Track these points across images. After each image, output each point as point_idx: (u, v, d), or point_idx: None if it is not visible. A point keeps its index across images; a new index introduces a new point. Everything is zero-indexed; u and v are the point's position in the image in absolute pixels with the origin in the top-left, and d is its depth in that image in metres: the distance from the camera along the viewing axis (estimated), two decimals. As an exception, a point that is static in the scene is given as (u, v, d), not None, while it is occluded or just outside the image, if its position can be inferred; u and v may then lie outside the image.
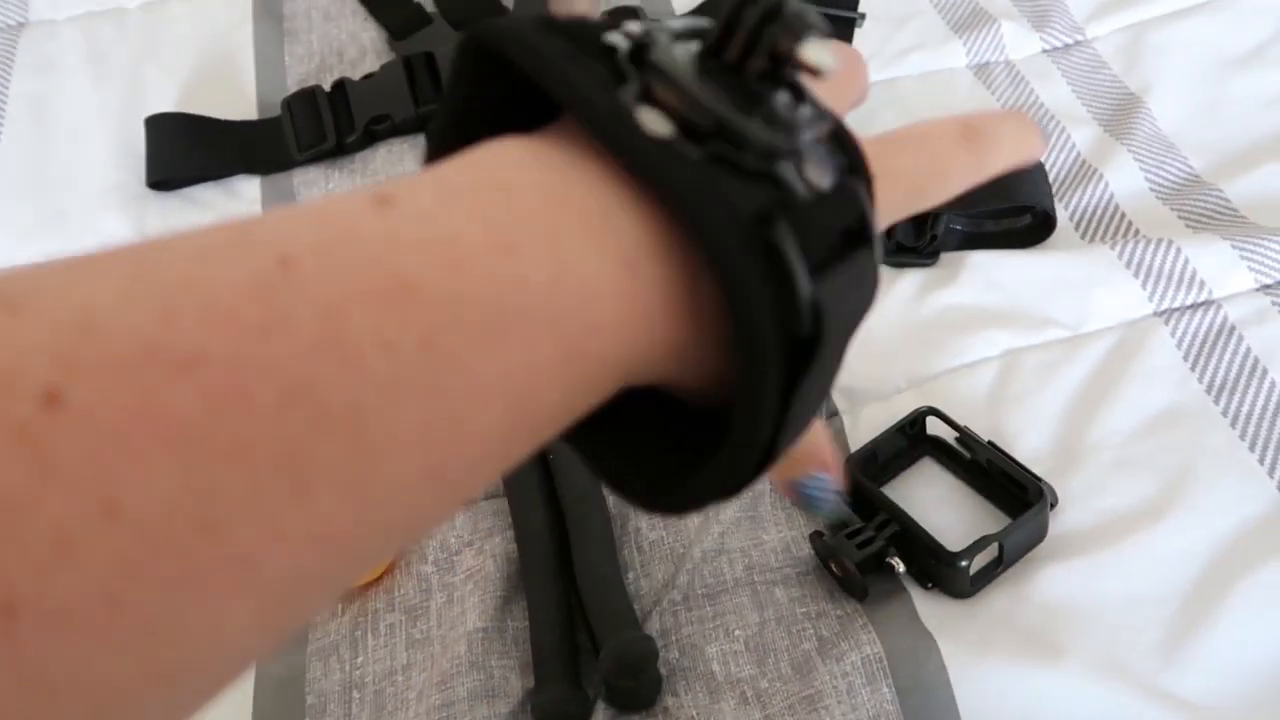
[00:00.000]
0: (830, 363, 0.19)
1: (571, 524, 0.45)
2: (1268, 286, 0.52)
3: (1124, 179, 0.58)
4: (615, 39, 0.18)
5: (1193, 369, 0.49)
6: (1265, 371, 0.48)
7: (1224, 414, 0.48)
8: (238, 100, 0.67)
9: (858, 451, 0.46)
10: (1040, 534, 0.44)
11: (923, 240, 0.56)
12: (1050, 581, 0.43)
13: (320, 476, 0.14)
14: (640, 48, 0.18)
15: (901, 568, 0.43)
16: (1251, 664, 0.40)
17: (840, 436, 0.49)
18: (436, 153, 0.20)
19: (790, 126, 0.18)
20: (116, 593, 0.12)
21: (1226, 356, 0.49)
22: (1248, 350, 0.49)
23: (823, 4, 0.62)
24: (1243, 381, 0.48)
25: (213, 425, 0.13)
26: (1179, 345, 0.50)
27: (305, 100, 0.64)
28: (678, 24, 0.19)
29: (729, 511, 0.46)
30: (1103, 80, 0.64)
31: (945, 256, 0.56)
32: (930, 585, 0.43)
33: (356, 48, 0.69)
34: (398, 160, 0.64)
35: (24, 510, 0.12)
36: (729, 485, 0.19)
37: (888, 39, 0.67)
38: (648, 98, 0.17)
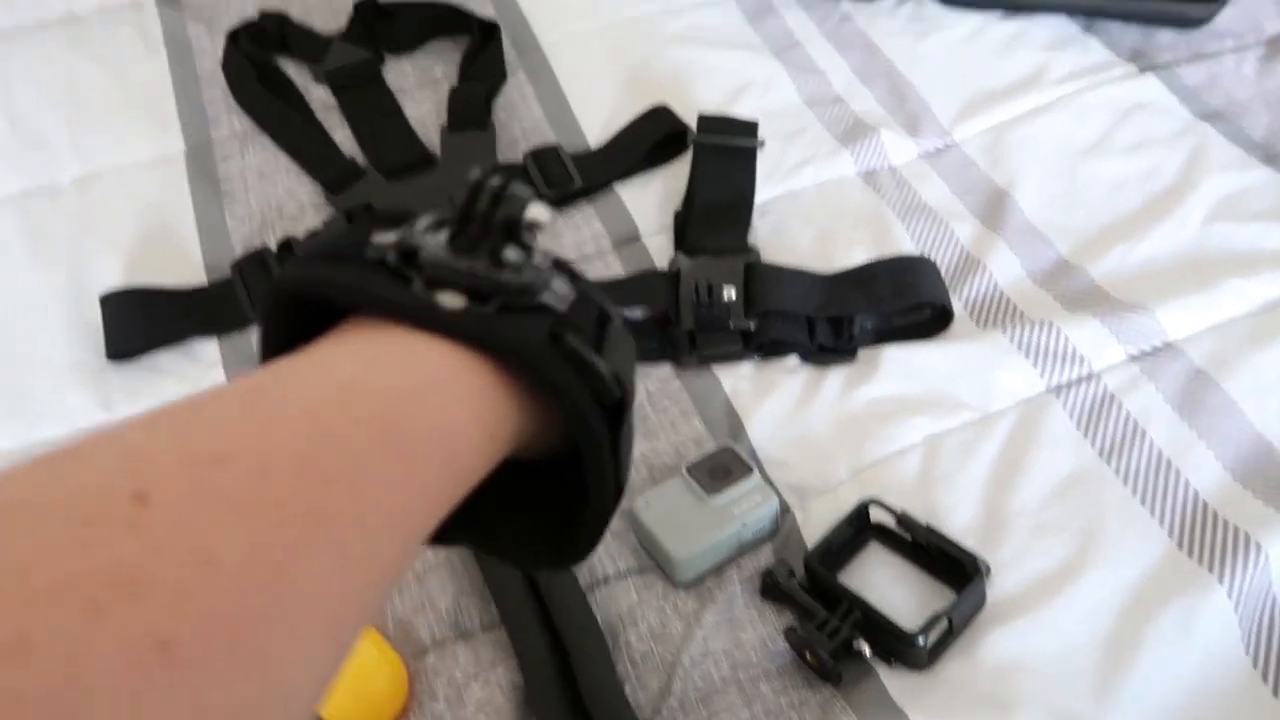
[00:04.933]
0: (631, 406, 0.28)
1: (570, 647, 0.49)
2: (1134, 357, 0.60)
3: (1003, 268, 0.67)
4: (382, 251, 0.26)
5: (1085, 436, 0.57)
6: (1144, 433, 0.56)
7: (1116, 474, 0.55)
8: (183, 266, 0.70)
9: (816, 547, 0.52)
10: (981, 603, 0.50)
11: (842, 340, 0.63)
12: (995, 645, 0.49)
13: (342, 520, 0.20)
14: (408, 251, 0.26)
15: (868, 650, 0.48)
16: (1171, 691, 0.47)
17: (795, 532, 0.55)
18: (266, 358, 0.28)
19: (535, 268, 0.26)
20: (234, 626, 0.17)
21: (1111, 422, 0.57)
22: (1128, 415, 0.57)
23: (728, 135, 0.70)
24: (1128, 443, 0.56)
25: (252, 493, 0.19)
26: (1071, 416, 0.58)
27: (255, 263, 0.68)
28: (423, 223, 0.27)
29: (709, 616, 0.51)
30: (973, 178, 0.73)
31: (862, 352, 0.63)
32: (893, 661, 0.49)
33: (295, 204, 0.73)
34: (349, 310, 0.67)
35: (150, 571, 0.17)
36: (600, 524, 0.28)
37: (782, 154, 0.75)
38: (434, 284, 0.25)
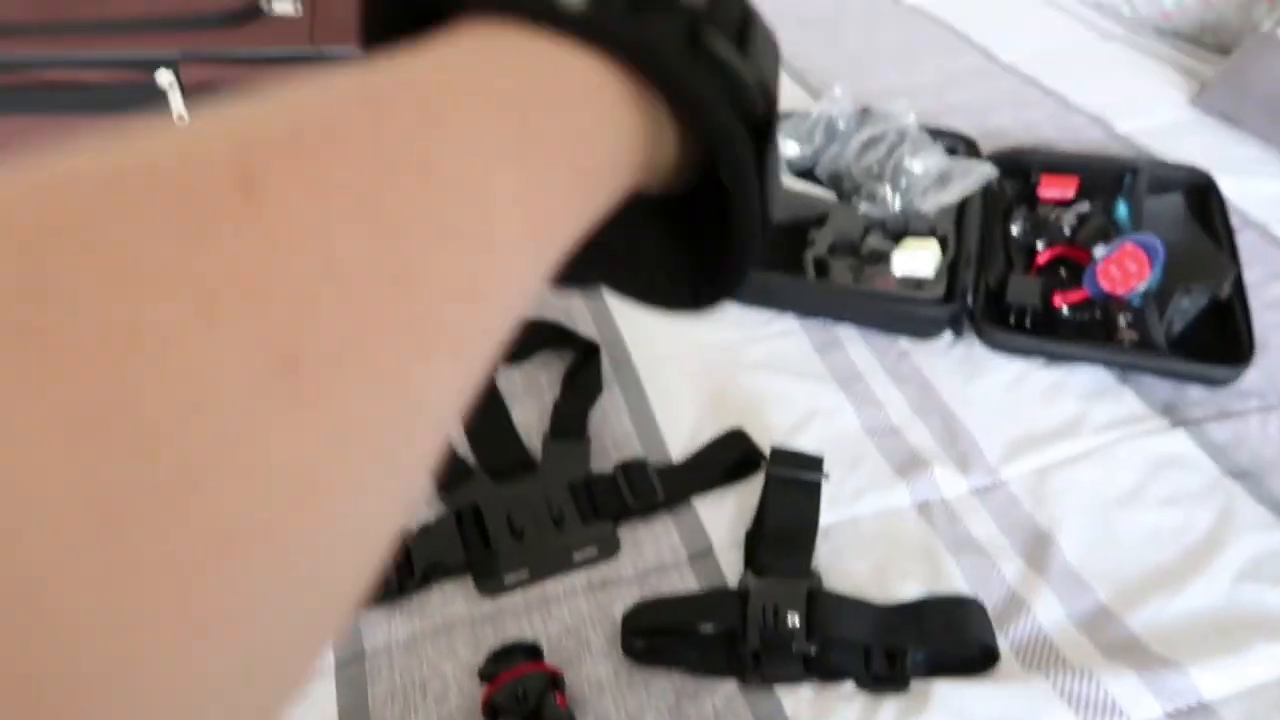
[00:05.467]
0: (777, 121, 0.25)
1: None
2: (1170, 714, 0.65)
3: (1047, 610, 0.73)
4: None
5: (1125, 793, 0.61)
6: (1182, 796, 0.60)
7: (1155, 836, 0.58)
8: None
9: None
10: None
11: (895, 670, 0.69)
12: None
13: (467, 232, 0.17)
14: None
15: None
16: None
17: None
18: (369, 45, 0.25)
19: None
20: (362, 341, 0.15)
21: (1149, 782, 0.61)
22: (1165, 776, 0.61)
23: (796, 468, 0.79)
24: (1165, 805, 0.60)
25: (370, 187, 0.16)
26: (1111, 770, 0.62)
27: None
28: None
29: None
30: (1018, 517, 0.81)
31: (914, 684, 0.68)
32: None
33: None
34: (450, 600, 0.75)
35: (268, 271, 0.14)
36: (746, 256, 0.25)
37: (844, 480, 0.84)
38: None
